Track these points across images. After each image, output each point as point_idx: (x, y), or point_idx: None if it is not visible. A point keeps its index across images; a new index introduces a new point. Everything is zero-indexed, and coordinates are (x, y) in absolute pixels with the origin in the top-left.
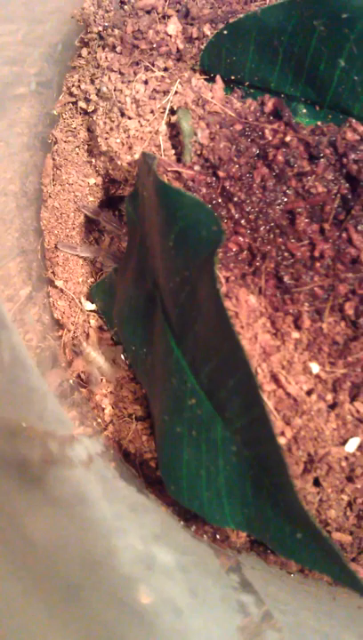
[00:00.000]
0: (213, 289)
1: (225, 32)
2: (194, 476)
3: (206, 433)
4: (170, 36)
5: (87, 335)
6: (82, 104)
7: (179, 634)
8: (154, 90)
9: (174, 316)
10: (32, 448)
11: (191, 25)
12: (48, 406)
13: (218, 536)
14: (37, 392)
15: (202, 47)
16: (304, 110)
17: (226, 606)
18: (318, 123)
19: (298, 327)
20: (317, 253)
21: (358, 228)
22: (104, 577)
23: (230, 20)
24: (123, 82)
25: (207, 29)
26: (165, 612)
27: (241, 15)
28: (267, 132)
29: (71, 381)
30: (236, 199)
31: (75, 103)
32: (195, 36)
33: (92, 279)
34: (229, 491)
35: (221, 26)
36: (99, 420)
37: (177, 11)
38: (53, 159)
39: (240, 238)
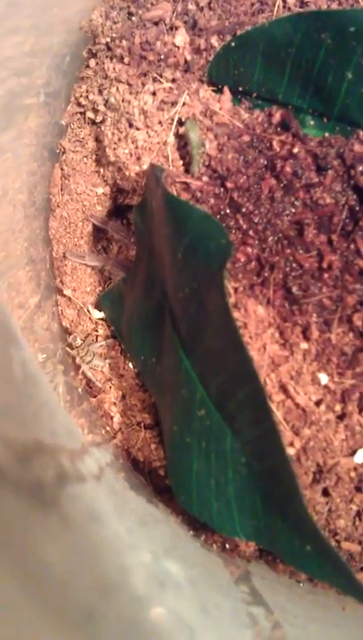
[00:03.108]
0: (223, 302)
1: (233, 44)
2: (204, 487)
3: (216, 444)
4: (178, 47)
5: (95, 342)
6: (90, 114)
7: None
8: (162, 101)
9: (184, 328)
10: (45, 467)
11: (199, 36)
12: (59, 419)
13: (227, 545)
14: (48, 405)
15: (210, 58)
16: (312, 122)
17: (237, 621)
18: (326, 134)
19: (307, 338)
20: (325, 265)
21: None
22: (119, 599)
23: (238, 32)
24: (131, 93)
25: (215, 41)
26: (179, 633)
27: (249, 27)
28: (275, 143)
29: (80, 390)
30: (244, 210)
31: (83, 113)
32: (202, 47)
33: (101, 288)
34: (238, 502)
35: (228, 37)
36: (107, 429)
37: (185, 22)
38: (62, 169)
39: (248, 249)
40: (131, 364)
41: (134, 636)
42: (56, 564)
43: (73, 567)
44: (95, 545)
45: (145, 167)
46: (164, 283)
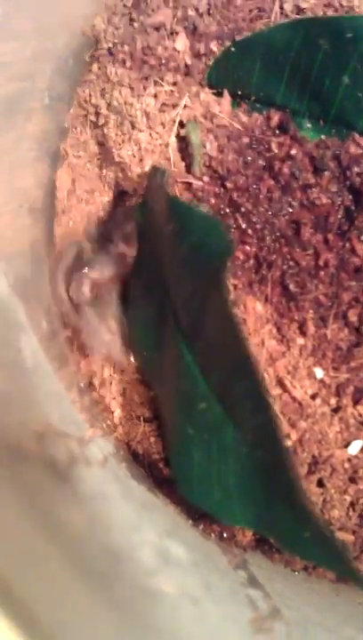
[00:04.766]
0: (225, 299)
1: (232, 49)
2: (205, 478)
3: (217, 436)
4: (178, 51)
5: None
6: (92, 117)
7: (199, 621)
8: (163, 103)
9: (186, 323)
10: (58, 448)
11: (199, 41)
12: (65, 410)
13: (225, 534)
14: (55, 396)
15: (209, 63)
16: (309, 125)
17: (236, 600)
18: (323, 137)
19: (303, 333)
20: (321, 262)
21: (361, 238)
22: (128, 568)
23: (237, 38)
24: (133, 96)
25: (214, 46)
26: (185, 601)
27: (247, 33)
28: (273, 145)
29: (82, 384)
30: (243, 210)
31: (85, 116)
32: (202, 52)
33: None
34: (239, 491)
35: (227, 42)
36: (108, 423)
37: (185, 27)
38: (65, 173)
39: (247, 247)
40: (132, 358)
41: (144, 601)
42: (71, 530)
43: (86, 535)
44: (104, 521)
45: (147, 168)
46: (165, 280)
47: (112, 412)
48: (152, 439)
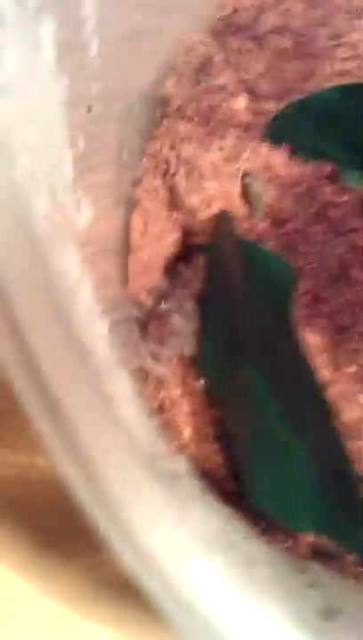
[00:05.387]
0: (290, 330)
1: (287, 109)
2: (276, 492)
3: (288, 454)
4: (239, 110)
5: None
6: (163, 167)
7: (282, 603)
8: (228, 156)
9: (256, 351)
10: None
11: (257, 101)
12: (150, 432)
13: (285, 545)
14: (143, 421)
15: (267, 120)
16: (358, 174)
17: (302, 595)
18: None
19: (354, 362)
20: None
21: None
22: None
23: (291, 97)
24: (200, 149)
25: (270, 105)
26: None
27: (299, 93)
28: (325, 192)
29: (155, 405)
30: (299, 250)
31: (157, 167)
32: (260, 110)
33: None
34: (307, 500)
35: (282, 101)
36: (178, 442)
37: (244, 88)
38: (138, 216)
39: (303, 285)
40: (202, 381)
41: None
42: None
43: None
44: (204, 526)
45: (215, 213)
46: (234, 311)
47: (181, 433)
48: (218, 457)
